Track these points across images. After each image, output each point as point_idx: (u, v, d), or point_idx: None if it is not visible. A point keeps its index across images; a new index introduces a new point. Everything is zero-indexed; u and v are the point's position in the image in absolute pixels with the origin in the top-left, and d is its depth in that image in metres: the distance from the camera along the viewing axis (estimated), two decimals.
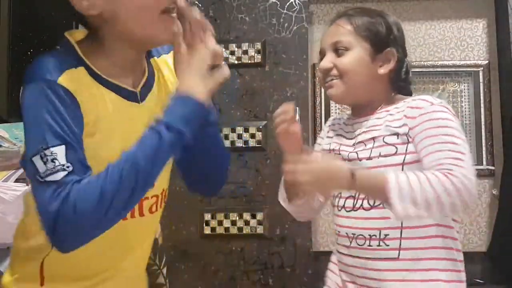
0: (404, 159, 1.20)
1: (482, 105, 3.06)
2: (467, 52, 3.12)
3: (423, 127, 1.18)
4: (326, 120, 3.10)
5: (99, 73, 0.94)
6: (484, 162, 3.03)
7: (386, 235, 1.21)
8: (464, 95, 3.12)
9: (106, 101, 0.94)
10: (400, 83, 1.34)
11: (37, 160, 0.85)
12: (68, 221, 0.82)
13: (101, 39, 0.97)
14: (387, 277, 1.20)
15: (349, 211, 1.28)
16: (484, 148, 3.04)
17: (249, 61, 2.77)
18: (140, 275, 1.17)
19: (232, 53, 2.78)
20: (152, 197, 1.03)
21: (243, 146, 2.73)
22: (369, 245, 1.22)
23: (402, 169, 1.20)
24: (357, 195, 1.25)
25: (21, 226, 1.06)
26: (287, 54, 2.75)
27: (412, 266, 1.20)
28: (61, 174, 0.84)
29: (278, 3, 2.79)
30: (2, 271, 1.65)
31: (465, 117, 3.10)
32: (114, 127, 0.95)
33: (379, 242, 1.21)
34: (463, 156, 1.12)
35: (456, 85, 3.14)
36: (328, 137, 1.43)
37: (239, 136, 2.74)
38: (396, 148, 1.21)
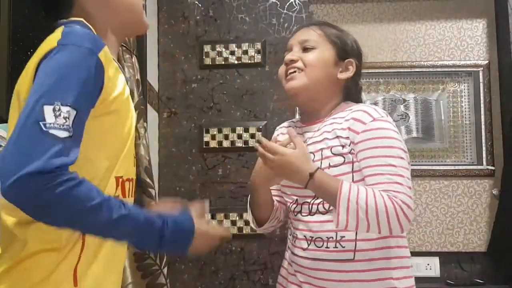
0: (352, 167, 1.28)
1: (482, 105, 3.06)
2: (467, 52, 3.12)
3: (365, 145, 1.25)
4: None
5: (116, 61, 1.02)
6: (484, 162, 3.03)
7: (342, 236, 1.28)
8: (464, 95, 3.12)
9: (121, 82, 1.02)
10: (353, 95, 1.44)
11: (48, 109, 0.85)
12: (47, 188, 0.82)
13: (93, 22, 1.04)
14: (343, 277, 1.27)
15: (305, 215, 1.35)
16: (484, 148, 3.04)
17: (249, 61, 2.77)
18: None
19: (232, 53, 2.78)
20: (130, 180, 1.08)
21: (243, 146, 2.73)
22: (327, 247, 1.29)
23: (352, 177, 1.27)
24: (312, 201, 1.33)
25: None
26: None
27: (366, 266, 1.27)
28: (65, 134, 0.86)
29: (278, 3, 2.79)
30: None
31: (465, 117, 3.10)
32: (127, 107, 1.05)
33: (335, 244, 1.28)
34: (402, 179, 1.21)
35: (456, 85, 3.14)
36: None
37: (239, 136, 2.74)
38: (344, 157, 1.28)
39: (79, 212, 0.86)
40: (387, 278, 1.27)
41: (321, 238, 1.30)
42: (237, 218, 2.70)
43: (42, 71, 0.92)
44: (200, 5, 2.82)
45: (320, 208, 1.32)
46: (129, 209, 0.93)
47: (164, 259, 1.96)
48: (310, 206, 1.33)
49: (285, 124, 1.54)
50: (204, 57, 2.77)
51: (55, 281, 0.91)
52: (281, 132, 1.51)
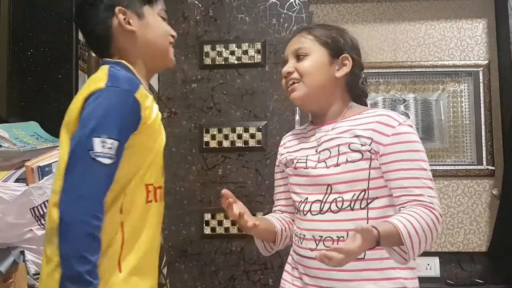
0: (370, 164, 1.29)
1: (482, 105, 3.06)
2: (467, 52, 3.12)
3: (396, 148, 1.27)
4: None
5: (148, 91, 1.26)
6: (484, 162, 3.03)
7: None
8: (464, 95, 3.12)
9: (155, 109, 1.25)
10: (357, 91, 1.43)
11: (96, 141, 1.08)
12: (92, 212, 1.07)
13: (129, 59, 1.28)
14: (354, 277, 1.27)
15: (315, 214, 1.34)
16: (484, 148, 3.04)
17: (249, 61, 2.77)
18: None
19: (232, 53, 2.78)
20: (160, 187, 1.30)
21: (243, 146, 2.73)
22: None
23: (369, 174, 1.29)
24: (324, 199, 1.32)
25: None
26: None
27: (377, 265, 1.27)
28: (109, 161, 1.09)
29: (278, 3, 2.79)
30: (2, 271, 1.65)
31: (465, 117, 3.10)
32: (158, 131, 1.28)
33: None
34: (432, 183, 1.26)
35: (456, 85, 3.14)
36: (288, 151, 1.48)
37: (239, 136, 2.74)
38: (362, 154, 1.29)
39: (74, 250, 1.06)
40: (398, 278, 1.28)
41: (331, 237, 1.30)
42: None
43: (91, 109, 1.12)
44: (200, 5, 2.82)
45: (333, 206, 1.31)
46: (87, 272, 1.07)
47: (164, 259, 1.96)
48: (322, 204, 1.32)
49: (290, 133, 1.55)
50: (204, 57, 2.77)
51: (105, 268, 1.12)
52: (288, 140, 1.52)
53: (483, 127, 3.05)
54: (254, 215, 2.68)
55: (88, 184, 1.07)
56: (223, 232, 2.70)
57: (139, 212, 1.19)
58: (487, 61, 3.08)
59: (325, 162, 1.34)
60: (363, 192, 1.29)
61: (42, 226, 1.79)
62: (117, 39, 1.28)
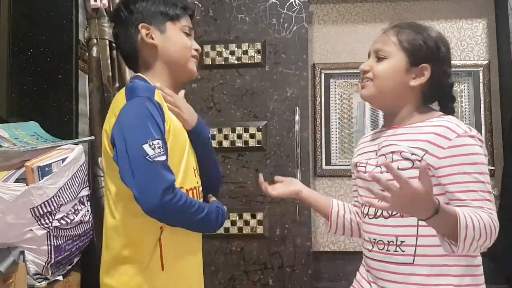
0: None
1: (482, 105, 3.06)
2: (467, 52, 3.12)
3: (453, 161, 1.26)
4: (326, 120, 3.10)
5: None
6: None
7: (402, 241, 1.31)
8: (464, 95, 3.12)
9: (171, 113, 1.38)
10: (438, 99, 1.43)
11: (146, 147, 1.22)
12: (176, 196, 1.24)
13: (154, 72, 1.44)
14: (404, 280, 1.30)
15: (371, 218, 1.40)
16: None
17: (249, 61, 2.77)
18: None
19: (232, 53, 2.78)
20: (195, 188, 1.43)
21: (243, 146, 2.73)
22: (387, 250, 1.34)
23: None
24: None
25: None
26: (287, 54, 2.76)
27: (426, 271, 1.29)
28: (164, 157, 1.24)
29: (278, 3, 2.79)
30: (2, 271, 1.65)
31: (465, 117, 3.10)
32: (180, 131, 1.39)
33: (395, 248, 1.32)
34: (491, 196, 1.26)
35: (456, 85, 3.14)
36: (357, 153, 1.54)
37: (239, 136, 2.74)
38: (413, 162, 1.29)
39: (188, 218, 1.30)
40: (447, 285, 1.28)
41: (382, 241, 1.35)
42: (237, 218, 2.70)
43: (125, 122, 1.27)
44: (200, 5, 2.82)
45: (385, 212, 1.35)
46: (208, 208, 1.35)
47: None
48: (376, 209, 1.37)
49: (367, 133, 1.59)
50: (204, 57, 2.77)
51: (152, 267, 1.31)
52: (361, 141, 1.57)
53: (483, 127, 3.05)
54: (254, 215, 2.70)
55: (159, 181, 1.22)
56: (223, 232, 2.70)
57: None
58: (487, 61, 3.08)
59: (381, 168, 1.37)
60: None
61: (42, 226, 1.79)
62: (142, 53, 1.44)
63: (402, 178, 1.06)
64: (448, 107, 1.43)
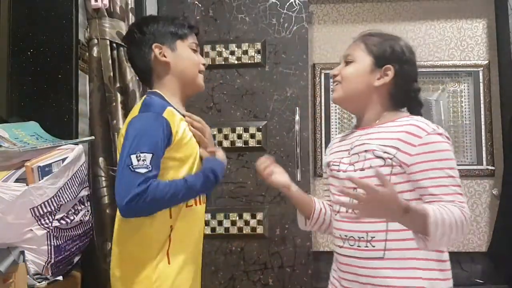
0: (391, 171, 1.35)
1: (482, 105, 3.06)
2: (467, 52, 3.12)
3: (424, 158, 1.32)
4: (326, 120, 3.10)
5: (178, 110, 1.53)
6: (484, 162, 3.03)
7: (372, 237, 1.36)
8: (464, 95, 3.12)
9: (183, 125, 1.50)
10: (406, 102, 1.50)
11: (133, 157, 1.34)
12: (140, 203, 1.31)
13: (166, 87, 1.56)
14: (375, 274, 1.35)
15: (342, 215, 1.45)
16: (484, 148, 3.04)
17: (249, 61, 2.77)
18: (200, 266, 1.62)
19: (232, 53, 2.78)
20: None
21: (243, 146, 2.73)
22: (358, 246, 1.39)
23: (390, 180, 1.32)
24: (350, 201, 1.33)
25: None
26: (287, 54, 2.76)
27: (396, 264, 1.34)
28: (145, 170, 1.34)
29: (278, 3, 2.79)
30: (2, 271, 1.65)
31: (465, 117, 3.10)
32: (189, 140, 1.51)
33: (366, 244, 1.37)
34: (461, 190, 1.32)
35: (456, 85, 3.14)
36: (330, 152, 1.60)
37: (239, 136, 2.74)
38: (384, 160, 1.36)
39: (165, 201, 1.37)
40: (417, 278, 1.33)
41: (353, 237, 1.40)
42: (237, 218, 2.70)
43: (129, 132, 1.40)
44: (200, 5, 2.82)
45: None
46: (187, 180, 1.42)
47: None
48: None
49: (340, 134, 1.64)
50: (204, 57, 2.77)
51: (159, 261, 1.44)
52: (333, 141, 1.63)
53: (483, 127, 3.05)
54: (254, 215, 2.70)
55: (130, 188, 1.33)
56: (223, 232, 2.70)
57: (182, 216, 1.47)
58: (487, 61, 3.08)
59: (354, 166, 1.42)
60: None
61: (42, 226, 1.79)
62: (155, 70, 1.57)
63: (370, 186, 1.13)
64: (416, 112, 1.50)
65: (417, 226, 1.22)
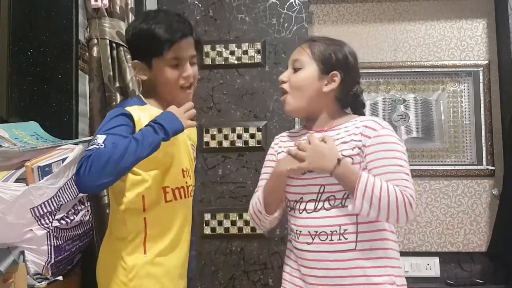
0: (359, 167, 1.44)
1: (482, 105, 3.06)
2: (467, 52, 3.12)
3: (377, 148, 1.44)
4: None
5: (155, 107, 1.57)
6: (484, 162, 3.03)
7: (345, 230, 1.44)
8: (464, 95, 3.12)
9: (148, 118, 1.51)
10: (351, 103, 1.60)
11: (98, 137, 1.39)
12: (87, 169, 1.32)
13: (153, 97, 1.60)
14: (346, 265, 1.42)
15: (310, 212, 1.49)
16: (484, 148, 3.04)
17: (249, 61, 2.77)
18: (187, 258, 1.64)
19: (232, 53, 2.78)
20: (182, 187, 1.58)
21: (243, 146, 2.73)
22: (331, 240, 1.44)
23: None
24: (318, 198, 1.48)
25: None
26: (287, 54, 2.75)
27: (367, 255, 1.43)
28: (95, 148, 1.36)
29: (278, 3, 2.79)
30: (2, 271, 1.65)
31: (465, 117, 3.10)
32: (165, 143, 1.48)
33: (339, 237, 1.44)
34: (408, 177, 1.43)
35: (456, 85, 3.14)
36: (283, 151, 1.60)
37: (239, 136, 2.74)
38: (352, 159, 1.45)
39: (116, 159, 1.34)
40: (386, 266, 1.44)
41: (325, 232, 1.45)
42: (237, 218, 2.70)
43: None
44: (200, 5, 2.82)
45: (326, 205, 1.46)
46: (133, 136, 1.39)
47: None
48: (316, 203, 1.47)
49: (285, 133, 1.69)
50: (204, 57, 2.77)
51: (132, 248, 1.51)
52: (281, 140, 1.66)
53: (483, 127, 3.05)
54: None
55: (80, 163, 1.37)
56: (223, 232, 2.70)
57: (161, 210, 1.51)
58: (487, 61, 3.08)
59: (305, 172, 1.48)
60: None
61: (42, 226, 1.79)
62: (141, 83, 1.66)
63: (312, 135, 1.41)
64: (359, 112, 1.60)
65: (348, 183, 1.39)
